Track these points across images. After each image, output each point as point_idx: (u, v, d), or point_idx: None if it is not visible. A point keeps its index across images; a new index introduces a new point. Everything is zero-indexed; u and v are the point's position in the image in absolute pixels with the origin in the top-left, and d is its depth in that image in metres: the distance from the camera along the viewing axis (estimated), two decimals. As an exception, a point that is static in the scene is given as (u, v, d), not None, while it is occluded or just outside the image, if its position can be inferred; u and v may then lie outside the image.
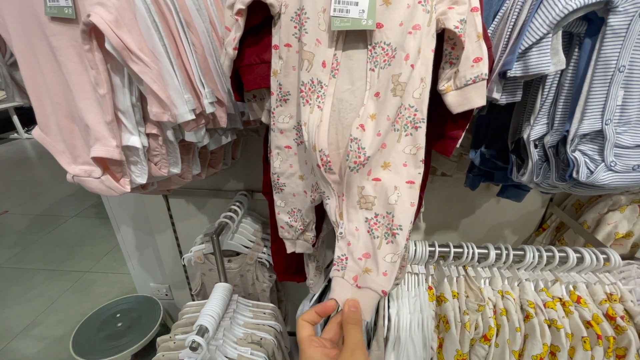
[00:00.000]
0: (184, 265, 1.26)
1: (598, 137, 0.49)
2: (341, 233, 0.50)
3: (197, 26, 0.55)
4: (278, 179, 0.57)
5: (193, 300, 1.17)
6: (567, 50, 0.49)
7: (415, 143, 0.48)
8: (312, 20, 0.45)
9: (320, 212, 0.62)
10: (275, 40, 0.48)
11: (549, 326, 0.70)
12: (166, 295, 1.48)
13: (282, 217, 0.61)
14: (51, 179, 2.99)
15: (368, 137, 0.46)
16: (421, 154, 0.48)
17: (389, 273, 0.47)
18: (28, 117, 4.04)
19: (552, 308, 0.72)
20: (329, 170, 0.49)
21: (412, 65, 0.43)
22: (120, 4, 0.44)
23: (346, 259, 0.50)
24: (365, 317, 0.43)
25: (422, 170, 0.48)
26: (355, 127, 0.46)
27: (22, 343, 1.51)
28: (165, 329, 1.38)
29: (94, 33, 0.46)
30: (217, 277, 0.89)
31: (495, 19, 0.55)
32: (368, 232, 0.49)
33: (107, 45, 0.45)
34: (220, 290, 0.77)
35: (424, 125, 0.47)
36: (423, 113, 0.46)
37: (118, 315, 1.33)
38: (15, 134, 3.97)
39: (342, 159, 0.48)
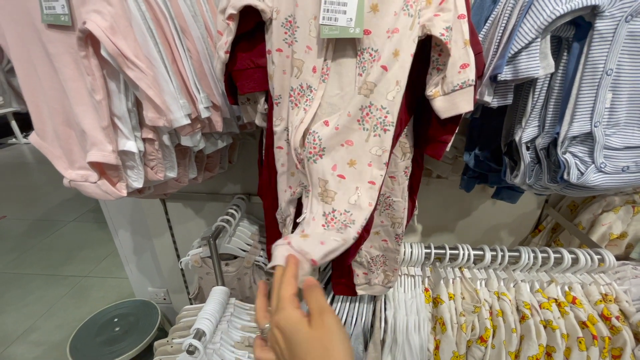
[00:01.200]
0: (182, 269, 1.26)
1: (588, 139, 0.50)
2: (304, 218, 0.51)
3: (192, 32, 0.56)
4: (276, 177, 0.59)
5: (191, 304, 1.17)
6: (556, 54, 0.50)
7: (382, 145, 0.48)
8: (302, 28, 0.46)
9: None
10: (268, 46, 0.49)
11: (545, 327, 0.71)
12: (164, 299, 1.48)
13: (277, 215, 0.63)
14: (49, 184, 2.99)
15: (326, 130, 0.47)
16: (386, 157, 0.49)
17: (326, 243, 0.46)
18: (26, 122, 4.03)
19: (547, 309, 0.72)
20: (303, 168, 0.51)
21: (383, 67, 0.44)
22: (115, 11, 0.45)
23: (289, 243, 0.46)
24: (311, 252, 0.40)
25: (384, 172, 0.50)
26: (321, 122, 0.47)
27: (19, 348, 1.50)
28: (163, 333, 1.37)
29: (90, 40, 0.47)
30: (214, 280, 0.89)
31: (486, 24, 0.56)
32: (323, 226, 0.50)
33: (102, 52, 0.46)
34: (217, 294, 0.78)
35: (392, 129, 0.47)
36: (394, 116, 0.47)
37: (116, 319, 1.33)
38: (14, 139, 3.97)
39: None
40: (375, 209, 0.52)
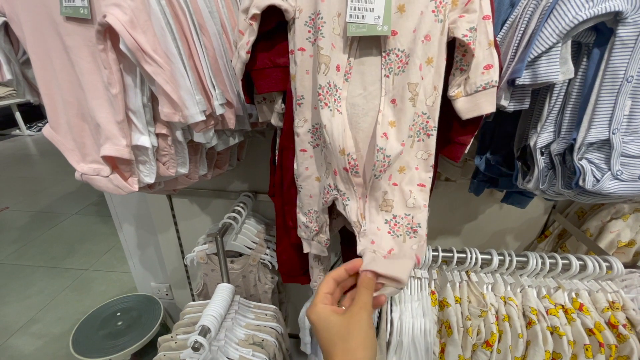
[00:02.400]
0: (186, 265, 1.26)
1: (605, 146, 0.50)
2: (365, 231, 0.53)
3: (209, 28, 0.56)
4: (297, 180, 0.58)
5: (193, 300, 1.17)
6: (576, 59, 0.50)
7: (426, 149, 0.50)
8: (328, 24, 0.45)
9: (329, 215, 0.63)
10: (291, 46, 0.49)
11: (551, 333, 0.70)
12: (167, 294, 1.48)
13: (300, 217, 0.62)
14: (52, 176, 2.99)
15: (392, 145, 0.48)
16: (432, 160, 0.50)
17: (418, 249, 0.52)
18: (30, 114, 4.05)
19: (554, 315, 0.72)
20: (355, 173, 0.50)
21: (421, 77, 0.45)
22: (135, 5, 0.44)
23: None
24: (402, 277, 0.42)
25: (431, 174, 0.51)
26: (379, 136, 0.47)
27: (21, 340, 1.50)
28: (165, 329, 1.37)
29: (108, 33, 0.47)
30: (219, 277, 0.89)
31: (504, 28, 0.56)
32: (389, 232, 0.53)
33: (121, 46, 0.46)
34: (223, 291, 0.78)
35: (435, 133, 0.49)
36: (435, 121, 0.48)
37: (118, 314, 1.33)
38: (18, 131, 3.97)
39: (367, 164, 0.51)
40: None
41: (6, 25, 0.53)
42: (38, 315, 1.62)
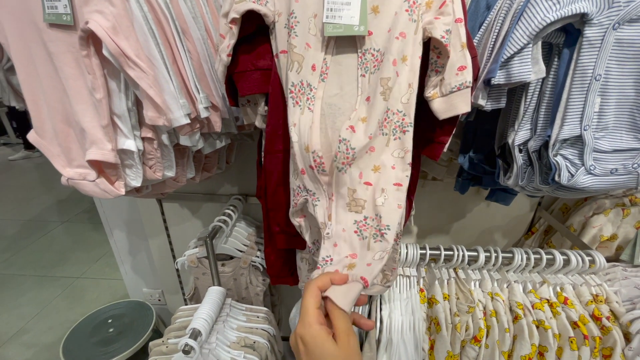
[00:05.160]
0: (177, 270, 1.26)
1: (578, 142, 0.51)
2: (328, 234, 0.50)
3: (192, 33, 0.57)
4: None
5: (186, 304, 1.17)
6: (547, 59, 0.52)
7: (403, 146, 0.49)
8: (302, 24, 0.46)
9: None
10: (274, 50, 0.50)
11: (537, 327, 0.72)
12: (159, 300, 1.47)
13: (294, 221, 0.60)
14: (43, 184, 2.96)
15: (358, 138, 0.47)
16: (409, 157, 0.49)
17: (373, 265, 0.46)
18: (21, 122, 4.00)
19: (540, 309, 0.73)
20: (322, 171, 0.50)
21: (397, 72, 0.45)
22: (118, 11, 0.45)
23: (331, 260, 0.49)
24: (344, 307, 0.39)
25: (409, 172, 0.49)
26: (344, 128, 0.47)
27: (11, 350, 1.48)
28: (157, 334, 1.36)
29: (91, 39, 0.47)
30: (210, 281, 0.89)
31: (481, 30, 0.57)
32: (356, 232, 0.49)
33: (104, 52, 0.46)
34: (213, 294, 0.78)
35: (411, 129, 0.48)
36: (411, 117, 0.48)
37: (110, 320, 1.32)
38: (7, 138, 3.93)
39: (332, 161, 0.50)
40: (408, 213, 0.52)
41: (-10, 32, 0.53)
42: (28, 325, 1.60)
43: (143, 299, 1.46)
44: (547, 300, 0.75)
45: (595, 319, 0.72)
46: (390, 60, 0.45)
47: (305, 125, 0.48)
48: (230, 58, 0.49)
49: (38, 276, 1.92)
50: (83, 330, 1.27)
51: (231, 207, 0.98)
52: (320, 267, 0.48)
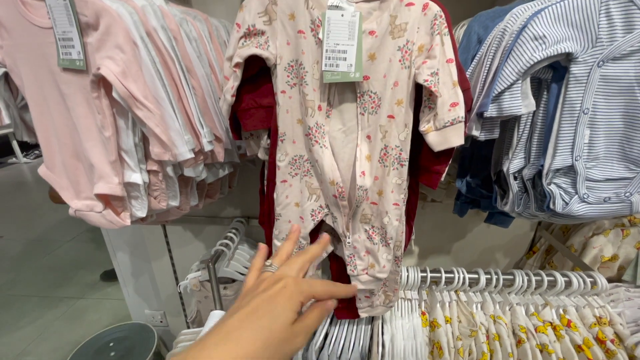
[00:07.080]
0: (180, 293, 1.26)
1: (570, 171, 0.53)
2: (349, 241, 0.64)
3: (197, 71, 0.59)
4: (276, 209, 0.62)
5: (188, 327, 1.16)
6: (537, 93, 0.54)
7: (400, 176, 0.57)
8: (310, 73, 0.51)
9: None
10: (275, 89, 0.55)
11: (541, 351, 0.71)
12: (161, 322, 1.46)
13: (275, 243, 0.66)
14: (47, 203, 2.96)
15: (367, 181, 0.58)
16: (405, 184, 0.58)
17: (387, 267, 0.65)
18: (27, 143, 4.07)
19: (543, 332, 0.73)
20: (342, 199, 0.59)
21: (390, 116, 0.51)
22: (127, 57, 0.48)
23: (354, 256, 0.65)
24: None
25: (405, 195, 0.61)
26: (358, 175, 0.56)
27: (11, 374, 1.47)
28: (159, 358, 1.35)
29: (102, 83, 0.50)
30: (212, 304, 0.89)
31: (473, 62, 0.60)
32: (368, 238, 0.64)
33: (114, 94, 0.49)
34: (215, 318, 0.78)
35: (406, 163, 0.55)
36: (406, 152, 0.54)
37: (111, 344, 1.31)
38: (14, 159, 3.99)
39: (350, 190, 0.60)
40: (409, 238, 0.68)
41: (6, 74, 0.56)
42: (29, 347, 1.59)
43: (145, 320, 1.45)
44: (550, 323, 0.75)
45: (600, 342, 0.71)
46: (386, 108, 0.51)
47: (328, 164, 0.56)
48: (234, 98, 0.52)
49: (41, 297, 1.91)
50: (85, 354, 1.27)
51: (233, 230, 0.99)
52: (348, 263, 0.66)
